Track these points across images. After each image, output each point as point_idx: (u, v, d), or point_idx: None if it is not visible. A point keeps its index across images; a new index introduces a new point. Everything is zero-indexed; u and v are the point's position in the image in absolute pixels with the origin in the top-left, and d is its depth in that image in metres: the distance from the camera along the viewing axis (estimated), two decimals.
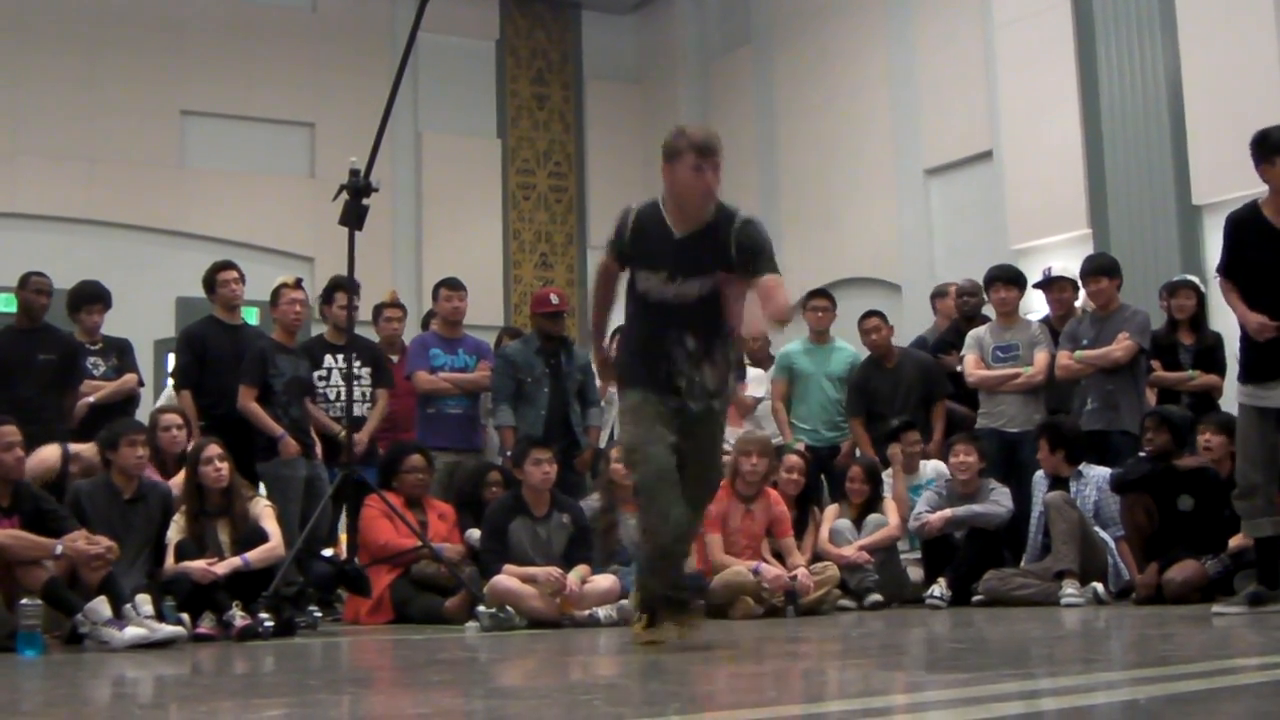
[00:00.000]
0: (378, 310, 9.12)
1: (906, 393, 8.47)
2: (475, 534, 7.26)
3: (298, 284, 7.93)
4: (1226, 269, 5.88)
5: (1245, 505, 5.75)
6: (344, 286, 7.87)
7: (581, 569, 6.75)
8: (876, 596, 7.41)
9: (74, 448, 6.85)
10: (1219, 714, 2.77)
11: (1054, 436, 7.50)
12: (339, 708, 3.37)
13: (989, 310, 8.69)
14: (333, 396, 7.97)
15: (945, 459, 7.93)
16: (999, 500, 7.61)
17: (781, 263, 4.85)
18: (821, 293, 9.13)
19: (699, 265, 4.79)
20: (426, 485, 7.53)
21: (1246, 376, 5.80)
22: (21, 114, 12.41)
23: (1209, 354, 7.86)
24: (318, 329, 8.72)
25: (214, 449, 6.38)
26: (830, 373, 8.71)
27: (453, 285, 8.65)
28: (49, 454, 6.69)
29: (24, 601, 5.29)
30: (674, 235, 4.81)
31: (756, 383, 8.75)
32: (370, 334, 8.87)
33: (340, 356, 7.88)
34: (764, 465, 7.36)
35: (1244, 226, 5.79)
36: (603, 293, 5.13)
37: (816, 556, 7.55)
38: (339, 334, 8.02)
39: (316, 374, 7.95)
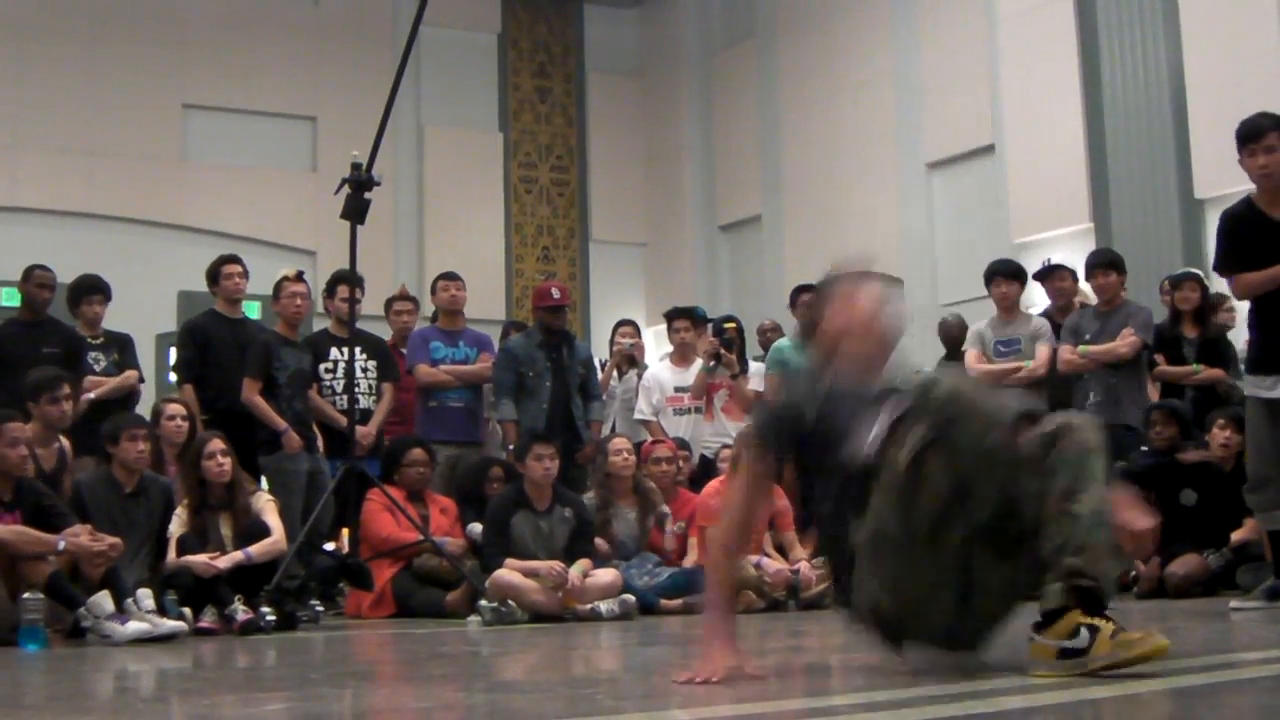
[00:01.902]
0: (389, 304, 9.14)
1: None
2: (477, 528, 7.26)
3: (299, 277, 7.93)
4: (1230, 265, 5.65)
5: (1257, 499, 5.61)
6: (346, 280, 7.86)
7: (583, 563, 6.75)
8: None
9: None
10: (1221, 707, 2.76)
11: None
12: (341, 702, 3.37)
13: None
14: (339, 389, 7.97)
15: None
16: None
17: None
18: (814, 288, 9.06)
19: None
20: (427, 479, 7.54)
21: (1253, 367, 5.73)
22: (23, 108, 12.43)
23: (1213, 347, 7.83)
24: (320, 323, 8.72)
25: (216, 443, 6.39)
26: None
27: (449, 277, 8.67)
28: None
29: (26, 596, 5.29)
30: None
31: (758, 377, 8.74)
32: (380, 328, 8.88)
33: (346, 350, 7.89)
34: None
35: (1240, 222, 5.60)
36: None
37: None
38: (343, 327, 8.02)
39: (323, 367, 7.96)
